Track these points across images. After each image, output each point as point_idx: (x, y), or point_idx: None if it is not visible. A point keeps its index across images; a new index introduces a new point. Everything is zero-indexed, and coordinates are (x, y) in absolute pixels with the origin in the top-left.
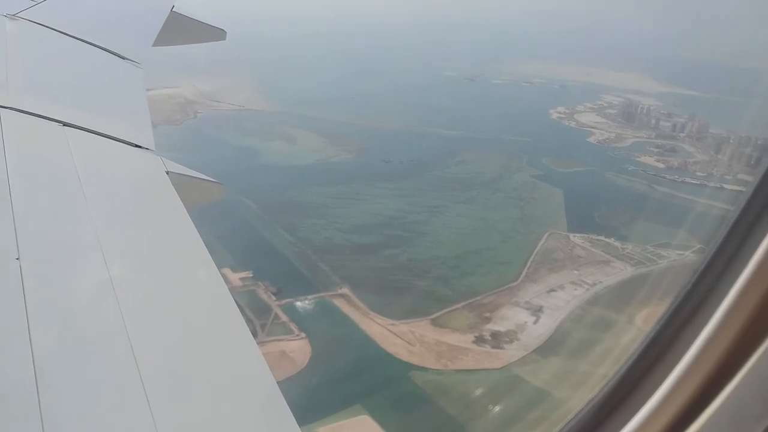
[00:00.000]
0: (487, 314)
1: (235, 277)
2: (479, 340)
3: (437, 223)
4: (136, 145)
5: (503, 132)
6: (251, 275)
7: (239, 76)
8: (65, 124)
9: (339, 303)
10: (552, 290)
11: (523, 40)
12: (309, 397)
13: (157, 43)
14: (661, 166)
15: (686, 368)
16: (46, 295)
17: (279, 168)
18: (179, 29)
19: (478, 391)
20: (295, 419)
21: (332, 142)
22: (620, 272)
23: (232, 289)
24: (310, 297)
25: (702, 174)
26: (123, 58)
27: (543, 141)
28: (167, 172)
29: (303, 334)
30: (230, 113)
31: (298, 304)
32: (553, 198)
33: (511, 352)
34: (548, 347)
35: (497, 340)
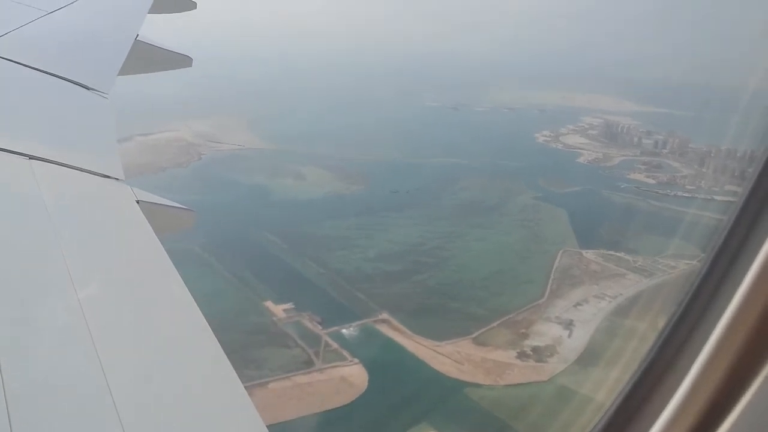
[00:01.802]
0: (523, 330)
1: (279, 309)
2: (522, 355)
3: (456, 248)
4: (105, 175)
5: (496, 157)
6: (293, 307)
7: (226, 114)
8: (31, 158)
9: (382, 328)
10: (578, 304)
11: (493, 68)
12: (376, 419)
13: (122, 72)
14: (652, 181)
15: (698, 376)
16: (16, 331)
17: (295, 203)
18: (145, 57)
19: (532, 403)
20: None
21: (338, 176)
22: (637, 284)
23: (279, 321)
24: (354, 324)
25: (691, 187)
26: (88, 88)
27: (535, 164)
28: (137, 201)
29: (356, 360)
30: (233, 153)
31: (344, 331)
32: (558, 218)
33: (554, 365)
34: (587, 358)
35: (538, 354)
